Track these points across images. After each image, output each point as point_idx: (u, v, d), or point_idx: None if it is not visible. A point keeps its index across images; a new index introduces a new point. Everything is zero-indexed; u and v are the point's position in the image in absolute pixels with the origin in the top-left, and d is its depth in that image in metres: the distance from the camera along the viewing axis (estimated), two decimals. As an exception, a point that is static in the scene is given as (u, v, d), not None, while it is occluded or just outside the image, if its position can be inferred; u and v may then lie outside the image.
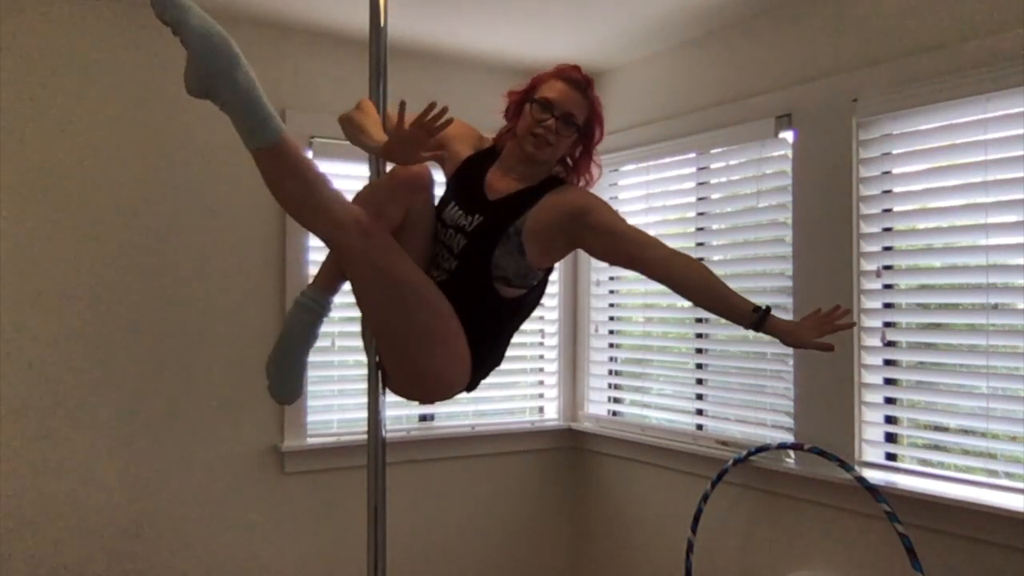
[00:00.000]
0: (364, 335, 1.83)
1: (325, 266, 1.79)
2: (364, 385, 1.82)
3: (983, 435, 2.36)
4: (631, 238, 1.82)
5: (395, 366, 1.75)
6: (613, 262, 1.95)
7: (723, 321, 3.13)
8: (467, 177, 1.89)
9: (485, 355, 1.83)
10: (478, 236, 1.79)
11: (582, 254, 3.76)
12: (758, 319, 1.78)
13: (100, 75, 2.86)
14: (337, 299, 1.79)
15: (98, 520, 2.84)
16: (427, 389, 1.84)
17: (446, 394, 1.84)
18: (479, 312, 1.78)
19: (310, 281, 1.81)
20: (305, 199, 1.57)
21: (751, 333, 3.04)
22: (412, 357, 1.73)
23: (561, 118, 1.81)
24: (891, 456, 2.59)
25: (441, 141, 1.89)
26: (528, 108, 1.83)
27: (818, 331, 1.77)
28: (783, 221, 2.90)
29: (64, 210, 2.80)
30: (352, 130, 1.79)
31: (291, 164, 1.54)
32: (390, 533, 1.87)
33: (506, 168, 1.89)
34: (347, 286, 1.78)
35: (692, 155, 3.27)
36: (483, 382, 1.92)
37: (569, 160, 1.92)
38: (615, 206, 3.66)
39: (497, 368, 1.91)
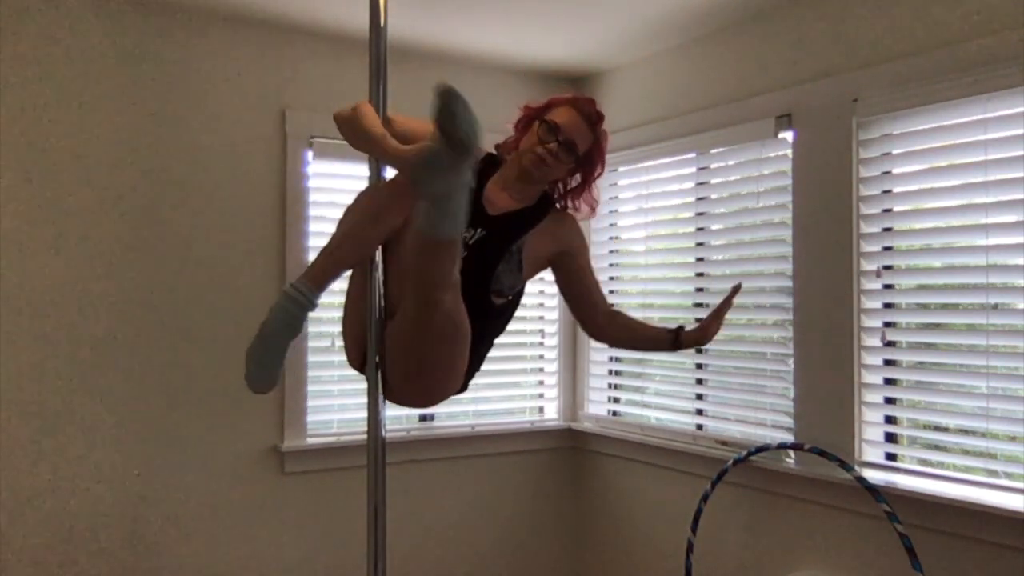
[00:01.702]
0: (345, 332, 1.86)
1: (320, 264, 1.78)
2: (364, 385, 1.82)
3: (983, 435, 2.36)
4: (595, 285, 2.06)
5: (403, 378, 1.78)
6: (567, 295, 2.08)
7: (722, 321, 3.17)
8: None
9: (475, 361, 1.89)
10: (479, 250, 1.82)
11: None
12: (674, 337, 2.03)
13: (101, 76, 2.86)
14: (337, 299, 1.79)
15: (98, 520, 2.84)
16: (428, 399, 1.92)
17: (442, 400, 1.91)
18: (476, 321, 1.81)
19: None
20: (445, 276, 1.63)
21: (748, 333, 3.08)
22: (428, 373, 1.79)
23: (563, 144, 1.86)
24: (891, 456, 2.59)
25: None
26: (536, 126, 1.88)
27: (717, 316, 2.06)
28: (783, 221, 2.90)
29: (64, 213, 2.80)
30: (355, 133, 1.77)
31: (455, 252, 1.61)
32: (390, 533, 1.87)
33: (503, 183, 1.94)
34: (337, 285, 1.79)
35: (692, 155, 3.27)
36: (481, 382, 1.96)
37: (561, 186, 2.00)
38: (615, 206, 3.70)
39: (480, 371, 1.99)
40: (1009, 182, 2.29)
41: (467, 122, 1.44)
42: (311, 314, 1.88)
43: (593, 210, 2.05)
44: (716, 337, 3.14)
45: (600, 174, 1.99)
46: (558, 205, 2.01)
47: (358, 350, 1.84)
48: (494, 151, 2.03)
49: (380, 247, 1.79)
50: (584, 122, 1.89)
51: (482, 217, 1.86)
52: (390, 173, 1.87)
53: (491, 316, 1.89)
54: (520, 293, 1.97)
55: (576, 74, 3.76)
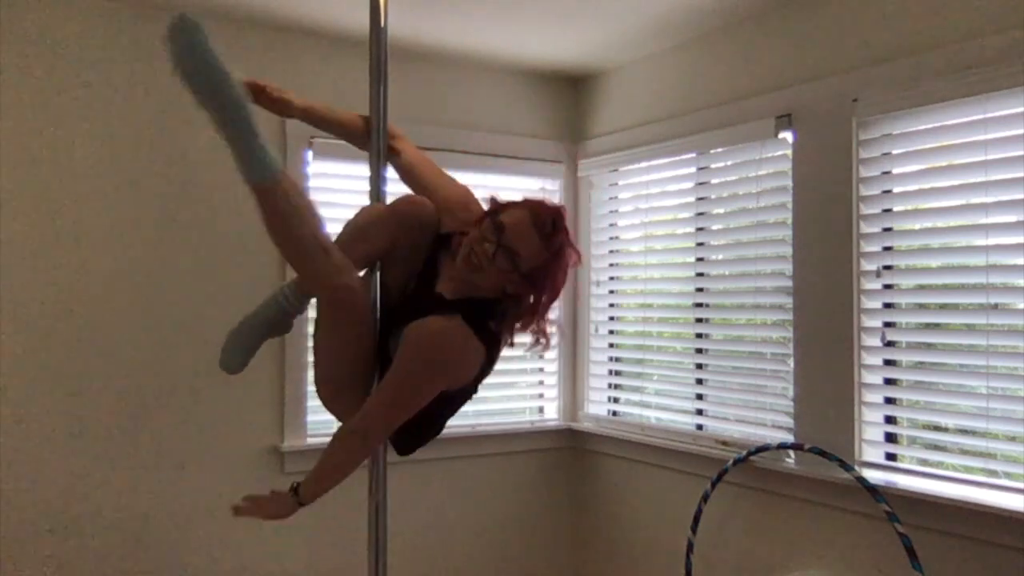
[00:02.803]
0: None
1: None
2: (364, 385, 1.82)
3: (983, 435, 2.36)
4: (374, 401, 1.70)
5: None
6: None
7: (722, 321, 3.18)
8: (434, 255, 1.79)
9: (417, 431, 1.84)
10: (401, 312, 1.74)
11: (582, 256, 3.77)
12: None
13: (100, 77, 2.86)
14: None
15: (97, 520, 2.84)
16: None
17: (327, 402, 1.85)
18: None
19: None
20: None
21: (748, 333, 3.08)
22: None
23: (503, 249, 1.59)
24: (891, 456, 2.59)
25: (439, 208, 1.82)
26: (485, 220, 1.64)
27: None
28: (783, 221, 2.90)
29: (63, 212, 2.80)
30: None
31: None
32: (390, 533, 1.88)
33: (451, 270, 1.72)
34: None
35: (692, 155, 3.27)
36: (485, 382, 1.92)
37: (512, 304, 1.69)
38: (615, 206, 3.70)
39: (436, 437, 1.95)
40: (1009, 182, 2.29)
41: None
42: (311, 314, 1.90)
43: (539, 342, 1.70)
44: (716, 336, 3.21)
45: (553, 298, 1.67)
46: (491, 324, 1.67)
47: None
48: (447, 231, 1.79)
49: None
50: (535, 232, 1.60)
51: (423, 286, 1.73)
52: (391, 175, 1.88)
53: None
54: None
55: (576, 74, 3.76)
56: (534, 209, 1.64)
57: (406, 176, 1.90)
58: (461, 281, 1.67)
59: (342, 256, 1.61)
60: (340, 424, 1.80)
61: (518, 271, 1.61)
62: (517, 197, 1.71)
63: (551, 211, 1.65)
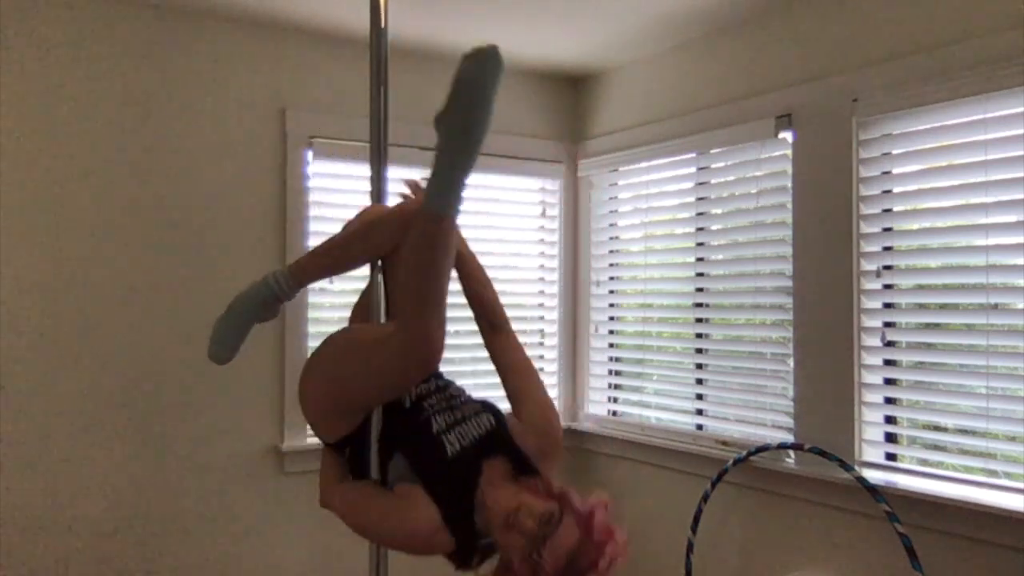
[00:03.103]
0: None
1: (306, 262, 1.82)
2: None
3: (982, 435, 2.36)
4: (356, 512, 1.70)
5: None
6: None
7: (722, 321, 3.17)
8: (499, 445, 1.74)
9: None
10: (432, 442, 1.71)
11: (582, 256, 3.78)
12: None
13: (100, 76, 2.86)
14: (338, 299, 1.79)
15: (98, 520, 2.84)
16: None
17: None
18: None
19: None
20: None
21: (748, 333, 3.08)
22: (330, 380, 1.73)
23: (540, 539, 1.51)
24: (891, 456, 2.59)
25: (524, 419, 1.87)
26: (552, 501, 1.57)
27: None
28: (783, 221, 2.90)
29: (62, 212, 2.80)
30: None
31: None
32: (390, 533, 1.87)
33: (505, 483, 1.65)
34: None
35: (692, 155, 3.27)
36: (482, 382, 1.94)
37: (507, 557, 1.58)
38: (615, 206, 3.70)
39: None
40: (1009, 182, 2.29)
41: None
42: (311, 314, 1.90)
43: None
44: (716, 336, 3.21)
45: None
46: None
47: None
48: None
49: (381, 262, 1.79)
50: (569, 553, 1.51)
51: (474, 473, 1.64)
52: (393, 175, 1.88)
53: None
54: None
55: (576, 74, 3.76)
56: (587, 535, 1.55)
57: (499, 369, 1.96)
58: (489, 510, 1.59)
59: (446, 316, 1.56)
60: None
61: (534, 560, 1.52)
62: (600, 498, 1.63)
63: (595, 554, 1.54)
